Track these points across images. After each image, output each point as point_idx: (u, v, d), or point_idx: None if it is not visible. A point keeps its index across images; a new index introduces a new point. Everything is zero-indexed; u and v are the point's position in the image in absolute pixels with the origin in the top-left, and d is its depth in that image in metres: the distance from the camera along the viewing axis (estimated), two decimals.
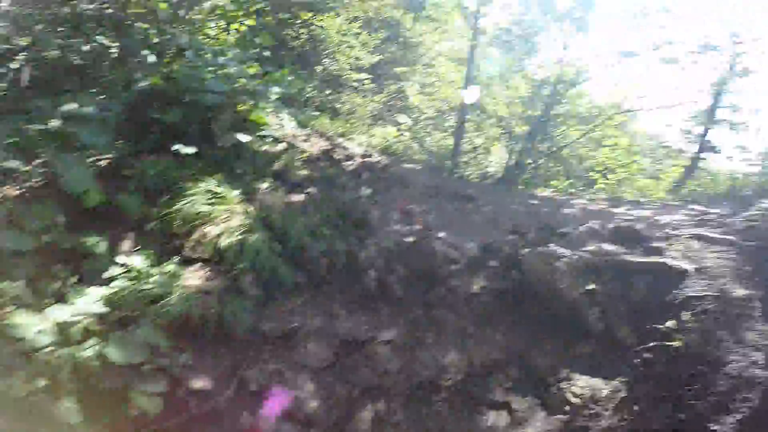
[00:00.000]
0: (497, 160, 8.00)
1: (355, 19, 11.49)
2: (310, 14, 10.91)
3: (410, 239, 4.79)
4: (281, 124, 6.36)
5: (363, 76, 11.03)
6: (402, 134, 9.86)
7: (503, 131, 7.69)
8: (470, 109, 8.75)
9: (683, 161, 9.01)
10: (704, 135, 8.26)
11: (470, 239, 4.88)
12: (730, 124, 8.51)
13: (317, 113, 10.49)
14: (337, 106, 10.54)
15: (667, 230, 4.68)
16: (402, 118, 10.66)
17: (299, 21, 11.04)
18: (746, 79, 8.05)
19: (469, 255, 4.64)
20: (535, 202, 5.99)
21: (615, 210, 5.78)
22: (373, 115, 10.54)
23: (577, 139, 8.01)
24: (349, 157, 6.45)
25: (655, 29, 7.25)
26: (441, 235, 4.87)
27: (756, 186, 6.83)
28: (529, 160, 7.34)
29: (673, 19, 7.81)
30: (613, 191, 7.65)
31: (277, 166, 5.43)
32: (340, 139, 8.89)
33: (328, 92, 10.60)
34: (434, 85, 10.56)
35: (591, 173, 8.51)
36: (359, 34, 11.26)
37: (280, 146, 5.96)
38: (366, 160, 6.46)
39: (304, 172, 5.58)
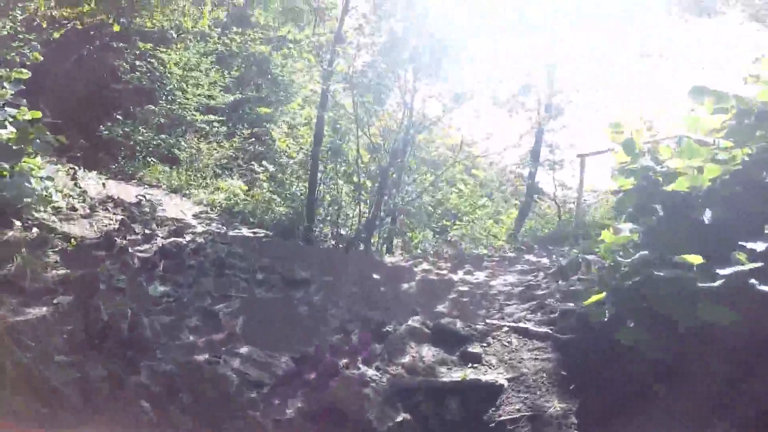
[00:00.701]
0: (354, 216, 7.08)
1: (209, 53, 10.03)
2: (149, 45, 9.23)
3: (202, 357, 3.56)
4: (46, 189, 4.68)
5: (212, 117, 9.55)
6: (256, 188, 8.51)
7: (354, 184, 6.81)
8: (328, 158, 7.76)
9: (517, 204, 9.05)
10: (532, 176, 8.30)
11: (286, 349, 3.80)
12: (549, 164, 8.64)
13: (154, 161, 8.84)
14: (177, 152, 8.89)
15: (491, 317, 4.10)
16: (261, 166, 9.34)
17: (137, 51, 9.33)
18: (561, 119, 8.24)
19: (279, 374, 3.56)
20: (377, 276, 5.08)
21: (455, 277, 5.14)
22: (221, 163, 9.07)
23: (429, 186, 7.44)
24: (149, 238, 4.95)
25: (486, 71, 6.97)
26: (244, 350, 3.69)
27: (578, 223, 6.94)
28: (382, 215, 6.50)
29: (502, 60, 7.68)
30: (463, 238, 7.21)
31: (9, 269, 3.78)
32: (165, 198, 7.33)
33: (163, 136, 8.91)
34: (300, 128, 9.48)
35: (443, 221, 8.05)
36: (210, 69, 9.81)
37: (31, 232, 4.30)
38: (173, 240, 5.01)
39: (60, 271, 3.98)
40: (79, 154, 9.03)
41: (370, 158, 7.14)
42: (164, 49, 9.16)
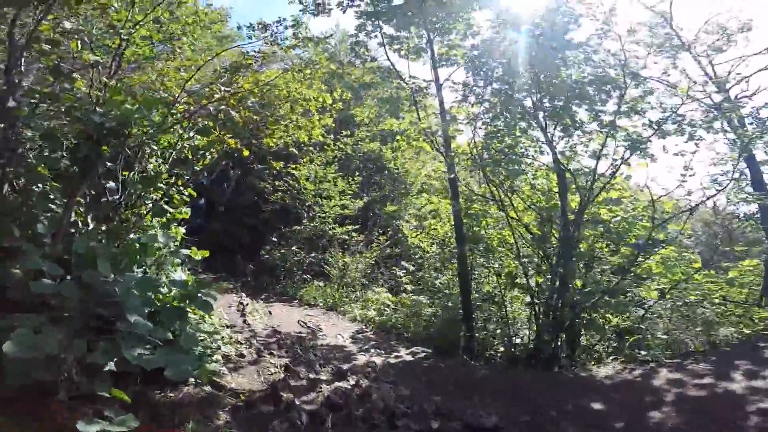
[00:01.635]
0: (523, 319, 5.90)
1: (330, 162, 10.52)
2: (281, 164, 9.93)
3: None
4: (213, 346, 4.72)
5: (349, 228, 9.74)
6: (402, 293, 8.05)
7: (515, 274, 5.73)
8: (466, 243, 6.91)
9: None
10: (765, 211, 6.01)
11: None
12: None
13: (309, 278, 9.13)
14: (327, 268, 9.08)
15: None
16: (401, 269, 8.96)
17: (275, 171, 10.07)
18: None
19: None
20: (599, 405, 3.77)
21: (734, 387, 3.53)
22: (366, 274, 8.94)
23: (628, 261, 5.80)
24: (313, 384, 4.59)
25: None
26: None
27: None
28: (566, 316, 5.19)
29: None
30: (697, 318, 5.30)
31: None
32: (322, 318, 7.23)
33: (313, 254, 9.25)
34: (428, 218, 9.02)
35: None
36: (336, 178, 10.22)
37: (203, 389, 4.25)
38: (337, 386, 4.56)
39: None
40: (248, 278, 9.90)
41: (533, 243, 6.09)
42: (293, 166, 9.79)
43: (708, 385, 3.71)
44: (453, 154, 6.40)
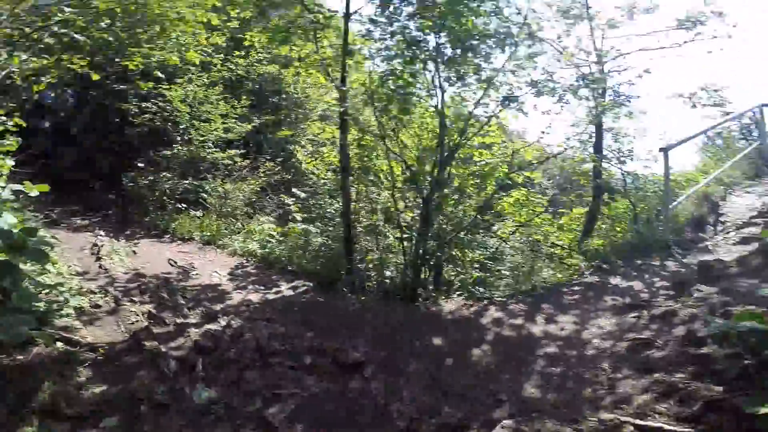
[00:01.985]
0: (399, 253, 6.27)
1: (215, 83, 9.39)
2: (150, 84, 8.64)
3: None
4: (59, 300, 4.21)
5: (232, 152, 8.98)
6: (290, 222, 7.90)
7: (390, 208, 6.02)
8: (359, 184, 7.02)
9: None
10: (598, 173, 7.11)
11: None
12: (616, 156, 7.42)
13: (185, 208, 8.41)
14: (205, 196, 8.41)
15: (601, 405, 3.17)
16: (291, 196, 8.70)
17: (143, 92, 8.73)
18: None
19: None
20: (439, 341, 4.31)
21: (535, 329, 4.29)
22: (251, 202, 8.52)
23: (489, 198, 6.41)
24: (181, 330, 4.41)
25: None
26: None
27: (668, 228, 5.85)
28: (430, 248, 5.64)
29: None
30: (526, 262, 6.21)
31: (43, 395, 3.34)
32: (198, 255, 6.85)
33: (187, 181, 8.44)
34: (326, 147, 8.75)
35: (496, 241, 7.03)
36: (220, 101, 9.19)
37: (55, 346, 3.84)
38: (207, 330, 4.43)
39: (96, 389, 3.52)
40: (110, 212, 8.82)
41: (404, 180, 6.33)
42: (167, 86, 8.56)
43: (517, 326, 4.41)
44: (347, 87, 6.07)
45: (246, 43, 7.76)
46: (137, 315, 4.50)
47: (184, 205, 8.44)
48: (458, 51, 5.75)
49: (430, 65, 5.97)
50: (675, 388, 2.99)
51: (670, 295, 4.32)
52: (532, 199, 7.25)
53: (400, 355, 4.18)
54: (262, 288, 5.69)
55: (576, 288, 5.06)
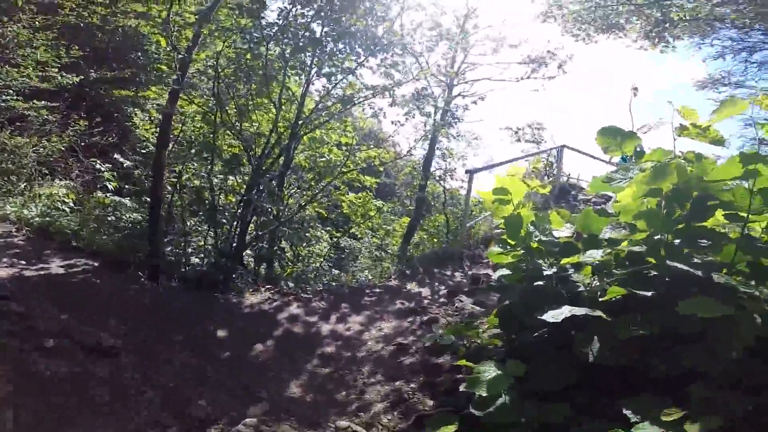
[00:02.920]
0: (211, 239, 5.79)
1: (47, 27, 7.74)
2: None
3: None
4: None
5: (38, 103, 7.42)
6: (96, 193, 6.78)
7: (202, 190, 5.62)
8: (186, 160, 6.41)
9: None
10: (422, 187, 7.85)
11: None
12: (441, 173, 8.33)
13: None
14: None
15: (347, 410, 3.21)
16: (105, 163, 7.50)
17: None
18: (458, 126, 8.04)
19: None
20: (223, 333, 4.02)
21: (325, 326, 4.31)
22: (47, 162, 7.11)
23: (318, 194, 6.41)
24: None
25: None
26: None
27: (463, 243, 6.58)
28: (250, 237, 5.33)
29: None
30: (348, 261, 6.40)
31: None
32: None
33: None
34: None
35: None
36: (49, 47, 7.58)
37: None
38: None
39: None
40: None
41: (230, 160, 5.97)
42: None
43: (310, 324, 4.41)
44: (191, 58, 5.45)
45: None
46: None
47: None
48: (339, 45, 5.75)
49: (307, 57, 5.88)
50: (403, 398, 3.11)
51: (443, 302, 4.70)
52: (370, 202, 7.51)
53: (166, 343, 3.74)
54: (23, 263, 4.67)
55: (377, 290, 5.24)
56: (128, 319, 3.96)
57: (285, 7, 5.78)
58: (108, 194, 6.87)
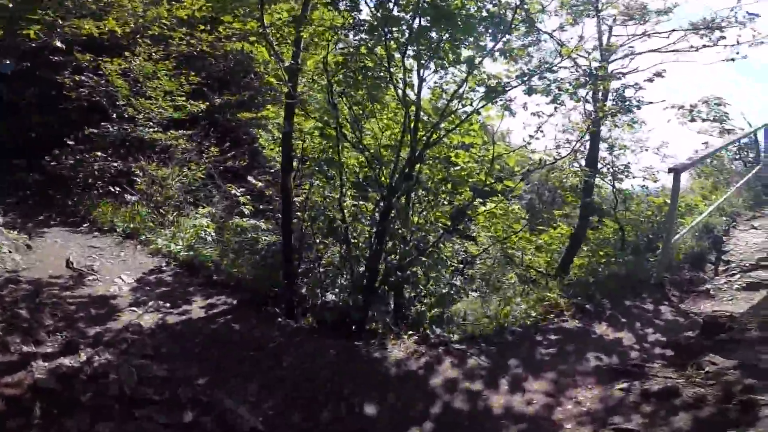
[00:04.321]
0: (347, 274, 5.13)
1: (167, 58, 8.15)
2: (88, 56, 7.46)
3: None
4: None
5: (173, 133, 7.73)
6: (234, 218, 6.76)
7: (333, 218, 4.94)
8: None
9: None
10: (588, 191, 6.05)
11: None
12: (611, 171, 6.36)
13: (115, 190, 7.24)
14: (138, 182, 7.19)
15: None
16: (240, 187, 7.54)
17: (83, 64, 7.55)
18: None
19: None
20: (371, 411, 3.21)
21: (496, 399, 3.21)
22: (191, 190, 7.32)
23: (464, 206, 5.33)
24: (25, 360, 3.29)
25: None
26: None
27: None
28: (384, 273, 4.52)
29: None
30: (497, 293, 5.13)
31: None
32: (113, 252, 5.68)
33: (116, 163, 7.19)
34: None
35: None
36: (173, 77, 7.93)
37: None
38: (59, 363, 3.32)
39: None
40: (30, 192, 7.63)
41: (361, 181, 5.25)
42: (107, 59, 7.35)
43: (474, 394, 3.35)
44: (298, 65, 4.90)
45: (182, 14, 6.63)
46: None
47: (118, 189, 7.26)
48: (444, 35, 4.62)
49: (409, 50, 4.85)
50: None
51: (669, 360, 3.29)
52: (511, 212, 6.16)
53: (318, 422, 3.11)
54: (167, 306, 4.56)
55: (553, 337, 4.00)
56: (268, 386, 3.44)
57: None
58: (245, 218, 6.83)
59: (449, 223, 6.51)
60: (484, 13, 4.55)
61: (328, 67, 5.07)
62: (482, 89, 4.87)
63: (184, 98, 8.01)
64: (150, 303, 4.55)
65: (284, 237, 5.17)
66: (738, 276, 4.60)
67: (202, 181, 7.65)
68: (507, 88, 4.43)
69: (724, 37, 6.25)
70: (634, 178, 5.98)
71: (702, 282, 4.72)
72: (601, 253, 5.92)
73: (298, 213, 6.32)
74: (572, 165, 5.75)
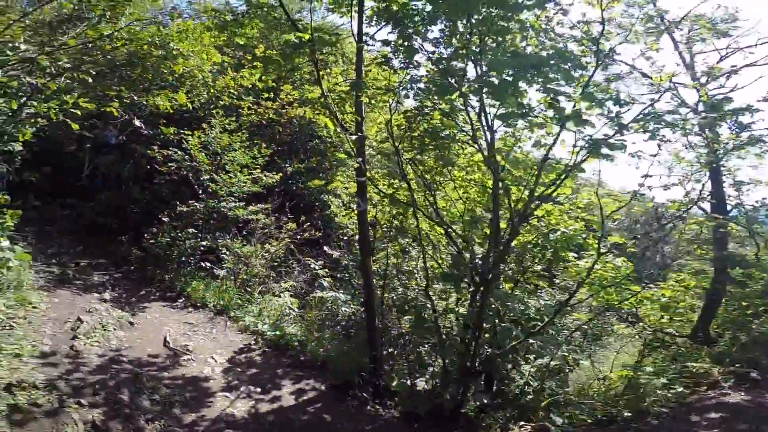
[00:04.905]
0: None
1: (239, 129, 8.67)
2: (172, 129, 8.11)
3: None
4: None
5: (253, 208, 8.04)
6: (314, 294, 6.75)
7: (421, 308, 4.59)
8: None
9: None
10: (722, 241, 5.22)
11: None
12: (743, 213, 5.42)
13: (207, 266, 7.60)
14: (225, 258, 7.47)
15: None
16: (317, 260, 7.61)
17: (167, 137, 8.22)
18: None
19: None
20: None
21: None
22: (273, 266, 7.49)
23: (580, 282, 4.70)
24: None
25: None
26: None
27: None
28: (482, 359, 4.06)
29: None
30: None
31: None
32: (205, 328, 5.80)
33: (204, 243, 7.55)
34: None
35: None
36: (246, 146, 8.38)
37: None
38: None
39: None
40: (133, 268, 8.19)
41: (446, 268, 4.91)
42: (187, 132, 7.96)
43: None
44: (365, 136, 4.87)
45: (246, 82, 7.08)
46: (77, 424, 3.40)
47: (209, 264, 7.60)
48: (509, 77, 4.30)
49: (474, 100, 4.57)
50: None
51: None
52: (619, 270, 5.39)
53: None
54: (258, 390, 4.45)
55: (713, 415, 3.28)
56: None
57: (432, 51, 4.56)
58: (325, 291, 6.78)
59: (544, 286, 5.95)
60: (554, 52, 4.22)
61: (394, 131, 4.93)
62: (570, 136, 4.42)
63: (258, 170, 8.39)
64: (242, 388, 4.46)
65: (368, 321, 4.96)
66: None
67: (281, 259, 7.79)
68: (610, 139, 3.95)
69: None
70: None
71: None
72: (748, 308, 4.94)
73: (379, 289, 6.14)
74: (696, 211, 5.05)
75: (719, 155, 4.48)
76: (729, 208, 5.51)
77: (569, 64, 3.94)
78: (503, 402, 4.09)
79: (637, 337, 5.14)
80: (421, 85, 4.67)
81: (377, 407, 4.32)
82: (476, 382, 4.05)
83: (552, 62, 4.01)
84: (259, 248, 7.29)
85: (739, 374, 3.82)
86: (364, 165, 4.85)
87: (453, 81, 4.34)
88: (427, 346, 4.79)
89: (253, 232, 7.77)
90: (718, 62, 5.86)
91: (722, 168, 5.36)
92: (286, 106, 9.69)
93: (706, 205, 5.06)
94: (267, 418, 3.97)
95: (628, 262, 5.62)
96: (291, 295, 6.75)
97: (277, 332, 5.67)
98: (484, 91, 4.22)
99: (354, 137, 4.70)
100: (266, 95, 9.38)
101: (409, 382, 4.44)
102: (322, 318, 6.44)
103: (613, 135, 3.98)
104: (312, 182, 8.83)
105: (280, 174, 8.83)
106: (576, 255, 5.33)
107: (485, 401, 3.89)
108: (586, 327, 5.31)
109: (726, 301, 5.26)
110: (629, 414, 3.60)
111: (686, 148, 4.93)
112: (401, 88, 4.74)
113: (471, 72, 4.56)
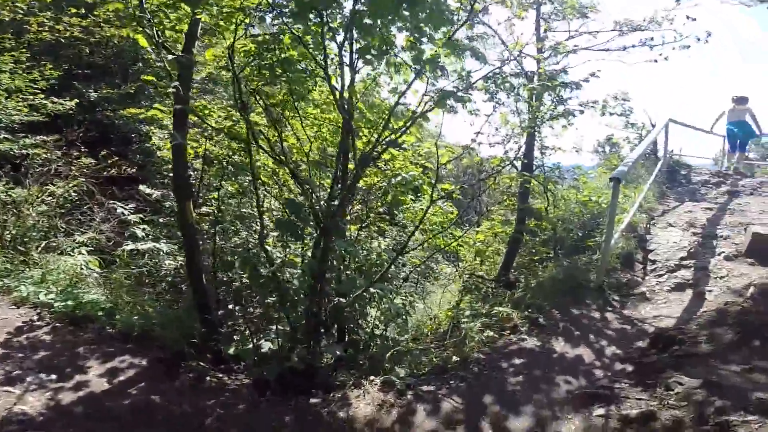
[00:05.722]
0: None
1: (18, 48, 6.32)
2: None
3: None
4: None
5: (28, 141, 6.01)
6: (123, 248, 5.55)
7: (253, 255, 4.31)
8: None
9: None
10: (524, 196, 6.40)
11: None
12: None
13: None
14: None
15: None
16: (128, 203, 6.25)
17: None
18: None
19: None
20: None
21: None
22: (61, 214, 5.79)
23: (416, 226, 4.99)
24: None
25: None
26: None
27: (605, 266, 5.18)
28: (329, 310, 4.01)
29: None
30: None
31: None
32: None
33: None
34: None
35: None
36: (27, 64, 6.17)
37: None
38: None
39: None
40: None
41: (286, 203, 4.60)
42: None
43: None
44: (192, 59, 3.97)
45: None
46: None
47: None
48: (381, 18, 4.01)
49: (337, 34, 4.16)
50: None
51: (633, 379, 3.43)
52: (445, 215, 6.02)
53: None
54: (53, 378, 3.49)
55: (517, 361, 3.95)
56: None
57: None
58: (139, 243, 5.62)
59: (386, 228, 6.17)
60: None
61: (236, 59, 4.23)
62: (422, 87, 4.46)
63: (41, 95, 6.35)
64: (29, 378, 3.42)
65: (192, 279, 4.34)
66: (666, 276, 5.07)
67: (76, 201, 6.13)
68: (457, 91, 4.07)
69: (651, 38, 6.65)
70: (564, 179, 6.30)
71: (636, 284, 5.11)
72: (541, 250, 6.10)
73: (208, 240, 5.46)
74: (510, 169, 5.81)
75: (538, 123, 5.16)
76: (534, 168, 6.52)
77: (446, 13, 3.79)
78: (355, 353, 4.16)
79: (458, 277, 5.88)
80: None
81: (221, 377, 3.88)
82: (327, 335, 3.98)
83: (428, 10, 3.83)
84: (37, 191, 5.53)
85: (531, 319, 4.53)
86: (184, 91, 3.98)
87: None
88: (271, 300, 4.45)
89: (27, 171, 5.82)
90: (565, 40, 6.55)
91: (536, 133, 6.20)
92: (102, 24, 7.32)
93: (518, 164, 5.81)
94: (75, 410, 3.15)
95: (454, 208, 6.26)
96: (90, 251, 5.41)
97: (70, 302, 4.47)
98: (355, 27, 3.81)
99: (171, 56, 3.74)
100: (74, 10, 6.87)
101: (252, 345, 4.10)
102: (138, 277, 5.40)
103: (461, 91, 4.13)
104: (126, 110, 7.07)
105: (76, 101, 6.80)
106: (413, 198, 5.66)
107: (338, 353, 3.87)
108: (419, 269, 5.91)
109: (522, 248, 6.41)
110: (457, 359, 4.04)
111: (512, 113, 5.51)
112: (258, 8, 3.96)
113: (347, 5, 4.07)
